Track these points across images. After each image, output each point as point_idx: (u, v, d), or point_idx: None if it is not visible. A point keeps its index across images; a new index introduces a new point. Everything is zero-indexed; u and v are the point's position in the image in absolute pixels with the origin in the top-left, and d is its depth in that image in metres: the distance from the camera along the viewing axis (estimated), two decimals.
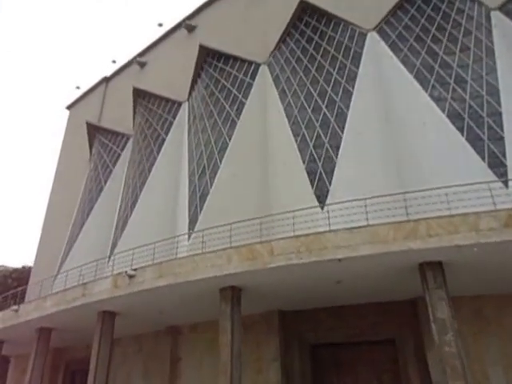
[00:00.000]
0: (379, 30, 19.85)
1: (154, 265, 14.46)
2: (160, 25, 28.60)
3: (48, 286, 22.47)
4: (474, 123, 15.04)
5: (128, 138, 26.99)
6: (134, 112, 26.41)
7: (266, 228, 15.14)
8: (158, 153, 23.07)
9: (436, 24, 18.64)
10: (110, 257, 20.58)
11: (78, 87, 34.36)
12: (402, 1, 19.83)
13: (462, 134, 15.00)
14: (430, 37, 18.42)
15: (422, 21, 18.98)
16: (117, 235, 21.63)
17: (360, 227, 11.85)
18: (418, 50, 18.38)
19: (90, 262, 19.29)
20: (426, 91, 17.08)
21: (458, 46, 17.24)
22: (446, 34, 18.11)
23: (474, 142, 14.66)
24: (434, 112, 16.42)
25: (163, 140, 23.44)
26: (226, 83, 21.92)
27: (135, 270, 14.67)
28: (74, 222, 25.97)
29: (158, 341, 19.01)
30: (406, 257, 11.52)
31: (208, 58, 23.21)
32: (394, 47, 19.06)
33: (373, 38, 19.80)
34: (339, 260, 11.72)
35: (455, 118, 15.52)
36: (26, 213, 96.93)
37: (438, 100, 16.67)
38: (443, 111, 15.85)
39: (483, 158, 14.69)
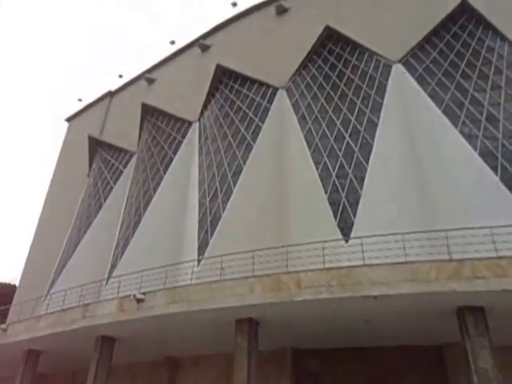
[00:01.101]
0: (405, 62, 19.45)
1: (165, 289, 13.33)
2: (172, 42, 28.21)
3: (34, 306, 20.89)
4: (508, 162, 14.60)
5: (131, 155, 26.01)
6: (141, 128, 25.56)
7: (282, 260, 14.10)
8: (164, 172, 22.12)
9: (465, 60, 18.31)
10: (108, 279, 19.26)
11: (80, 99, 33.55)
12: (430, 35, 19.63)
13: (496, 173, 14.54)
14: (460, 72, 18.06)
15: (451, 56, 18.66)
16: (116, 255, 20.35)
17: (399, 263, 11.01)
18: (446, 85, 17.98)
19: (89, 284, 17.98)
20: (456, 127, 16.58)
21: (489, 84, 17.00)
22: (476, 71, 17.77)
23: (509, 181, 14.19)
24: (465, 149, 15.87)
25: (171, 159, 22.54)
26: (241, 105, 21.34)
27: (144, 293, 13.51)
28: (68, 238, 24.58)
29: (153, 373, 17.54)
30: (446, 299, 10.67)
31: (224, 78, 22.71)
32: (420, 81, 18.65)
33: (398, 70, 19.42)
34: (375, 297, 10.83)
35: (488, 156, 15.06)
36: (12, 226, 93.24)
37: (469, 137, 16.15)
38: (475, 149, 15.39)
39: None
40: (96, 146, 27.28)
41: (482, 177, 14.79)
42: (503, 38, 18.48)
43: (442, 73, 18.70)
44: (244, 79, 22.07)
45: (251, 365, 12.10)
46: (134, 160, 25.46)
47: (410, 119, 17.93)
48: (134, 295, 13.39)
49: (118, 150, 26.38)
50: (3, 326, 17.26)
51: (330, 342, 14.18)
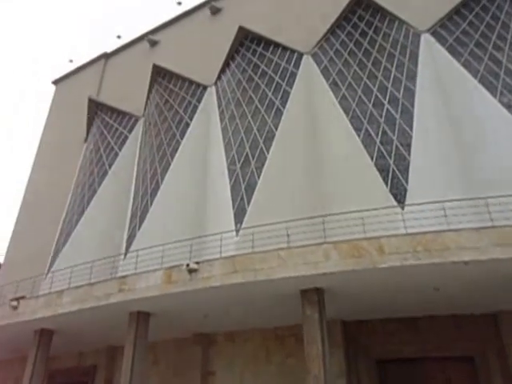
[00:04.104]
0: (434, 32, 19.31)
1: (223, 258, 12.36)
2: (179, 3, 26.34)
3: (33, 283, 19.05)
4: None
5: (136, 119, 24.23)
6: (149, 91, 23.74)
7: (328, 229, 13.39)
8: (181, 137, 20.72)
9: (496, 32, 18.34)
10: (126, 254, 17.78)
11: (71, 60, 31.03)
12: (459, 6, 19.46)
13: None
14: (491, 44, 18.06)
15: (482, 28, 18.63)
16: (133, 226, 18.86)
17: (485, 228, 10.68)
18: (479, 56, 17.93)
19: (106, 258, 16.55)
20: (495, 97, 16.55)
21: None
22: (508, 43, 17.83)
23: None
24: (506, 118, 15.87)
25: (187, 123, 21.15)
26: (267, 69, 20.24)
27: (198, 263, 12.41)
28: (68, 209, 22.63)
29: (181, 351, 16.58)
30: None
31: (246, 41, 21.39)
32: (452, 51, 18.51)
33: (427, 40, 19.21)
34: (465, 263, 10.44)
35: None
36: None
37: (509, 107, 16.18)
38: None
39: None
40: (96, 109, 25.04)
41: None
42: None
43: (474, 44, 18.50)
44: (267, 43, 20.96)
45: (324, 337, 11.46)
46: (140, 124, 23.75)
47: (445, 88, 17.84)
48: (188, 264, 12.28)
49: (120, 113, 24.46)
50: (14, 302, 15.53)
51: (383, 312, 13.90)
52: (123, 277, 13.59)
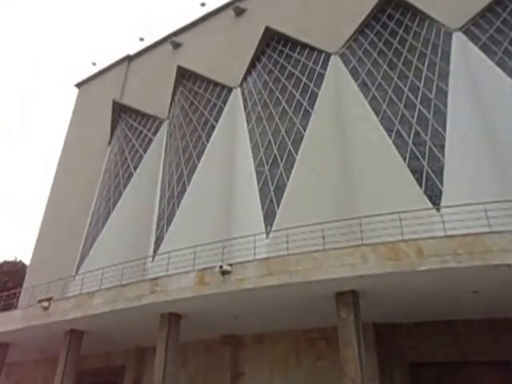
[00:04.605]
0: (466, 30, 18.88)
1: (257, 260, 12.24)
2: (203, 4, 26.38)
3: (63, 284, 19.27)
4: None
5: (160, 122, 24.33)
6: (174, 93, 23.83)
7: (354, 232, 13.11)
8: (207, 139, 20.70)
9: None
10: (154, 256, 17.81)
11: (94, 63, 31.26)
12: (492, 3, 19.01)
13: None
14: None
15: None
16: (161, 228, 18.90)
17: None
18: None
19: (134, 261, 16.56)
20: None
21: None
22: None
23: None
24: None
25: (212, 126, 21.12)
26: (293, 70, 20.10)
27: (231, 265, 12.32)
28: (94, 211, 22.80)
29: (210, 352, 16.52)
30: None
31: (272, 42, 21.29)
32: (485, 49, 18.06)
33: (460, 38, 18.80)
34: (508, 266, 10.11)
35: None
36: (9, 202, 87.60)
37: None
38: None
39: None
40: (120, 111, 25.24)
41: None
42: None
43: (508, 42, 18.04)
44: (294, 43, 20.79)
45: (360, 339, 11.24)
46: (164, 126, 23.81)
47: (478, 88, 17.40)
48: (221, 266, 12.19)
49: (144, 116, 24.56)
50: (45, 303, 15.65)
51: (417, 315, 13.61)
52: (155, 278, 13.55)
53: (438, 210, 13.72)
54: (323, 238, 12.07)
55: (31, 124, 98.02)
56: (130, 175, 22.58)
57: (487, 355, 13.38)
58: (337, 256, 11.28)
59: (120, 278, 15.76)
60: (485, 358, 13.40)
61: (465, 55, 18.29)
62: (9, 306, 19.00)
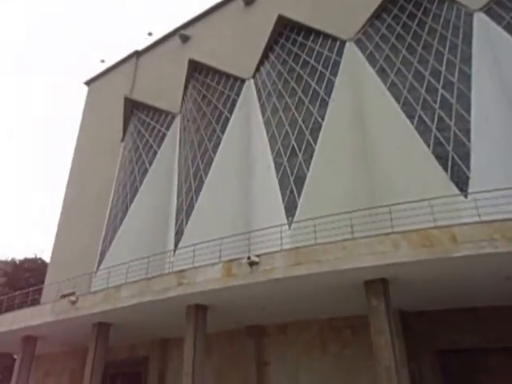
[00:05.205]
0: (487, 10, 18.33)
1: (285, 250, 12.09)
2: None
3: (87, 280, 19.44)
4: None
5: (173, 116, 24.17)
6: (186, 87, 23.63)
7: (381, 220, 12.85)
8: (222, 132, 20.50)
9: None
10: (175, 249, 17.77)
11: (102, 61, 31.07)
12: None
13: None
14: None
15: None
16: (180, 222, 18.81)
17: None
18: None
19: (159, 254, 16.56)
20: None
21: None
22: None
23: None
24: None
25: (227, 118, 20.89)
26: (308, 59, 19.77)
27: (258, 256, 12.22)
28: (112, 207, 22.77)
29: (234, 342, 16.50)
30: None
31: (285, 31, 20.97)
32: (509, 29, 17.46)
33: (481, 19, 18.24)
34: None
35: None
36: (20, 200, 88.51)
37: None
38: None
39: None
40: (132, 107, 25.12)
41: None
42: None
43: None
44: (308, 31, 20.42)
45: (392, 327, 11.14)
46: (177, 121, 23.63)
47: (503, 69, 16.88)
48: (249, 257, 12.09)
49: (157, 111, 24.41)
50: (73, 298, 15.72)
51: (444, 302, 13.36)
52: (182, 271, 13.44)
53: (466, 196, 13.48)
54: (351, 226, 11.88)
55: (44, 123, 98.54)
56: (146, 171, 22.48)
57: None
58: (366, 244, 11.10)
59: (140, 272, 15.77)
60: None
61: (487, 36, 17.72)
62: (34, 301, 19.26)
